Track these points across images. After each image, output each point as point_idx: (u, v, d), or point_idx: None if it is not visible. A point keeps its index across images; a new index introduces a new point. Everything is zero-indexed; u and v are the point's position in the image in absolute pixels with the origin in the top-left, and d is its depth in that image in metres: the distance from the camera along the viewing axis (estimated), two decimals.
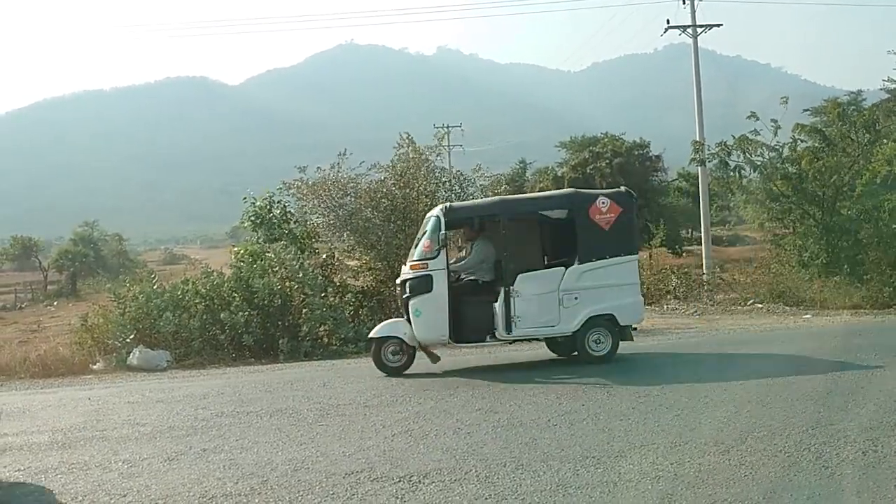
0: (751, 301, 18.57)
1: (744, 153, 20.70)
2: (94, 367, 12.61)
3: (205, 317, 13.55)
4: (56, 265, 58.10)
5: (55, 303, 45.49)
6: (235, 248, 16.20)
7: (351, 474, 5.36)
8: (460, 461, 5.56)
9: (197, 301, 13.77)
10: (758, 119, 20.52)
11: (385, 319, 16.25)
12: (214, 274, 14.48)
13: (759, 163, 20.52)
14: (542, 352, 11.94)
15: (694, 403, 7.17)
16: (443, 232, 9.88)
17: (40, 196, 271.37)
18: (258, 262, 14.41)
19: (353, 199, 16.76)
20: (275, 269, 14.15)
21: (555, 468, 5.29)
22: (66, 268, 56.82)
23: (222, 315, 13.20)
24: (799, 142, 20.49)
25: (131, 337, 12.95)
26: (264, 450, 6.18)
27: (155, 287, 13.93)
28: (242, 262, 14.72)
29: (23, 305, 45.50)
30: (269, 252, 14.74)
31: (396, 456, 5.80)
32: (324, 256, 17.02)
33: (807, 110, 22.68)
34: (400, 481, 5.16)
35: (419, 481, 5.14)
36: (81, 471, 5.81)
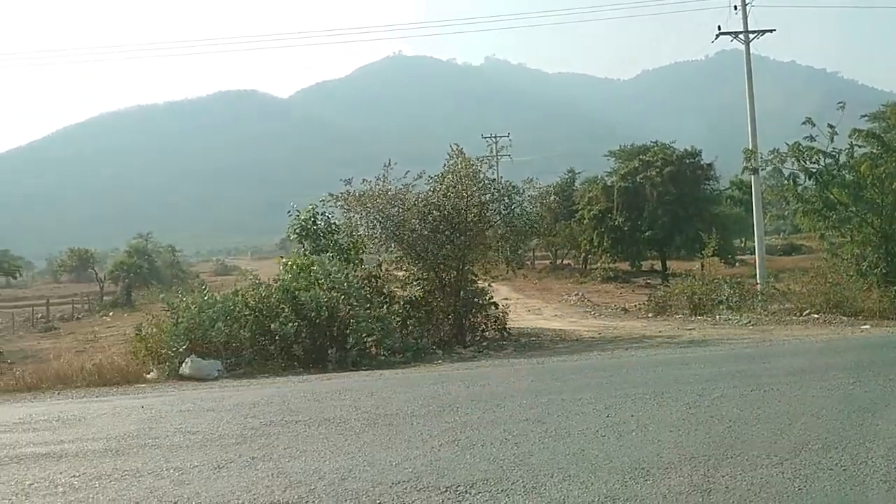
0: (806, 311, 18.13)
1: (798, 160, 20.25)
2: (148, 376, 12.84)
3: (255, 327, 13.73)
4: (112, 276, 59.47)
5: (111, 313, 46.60)
6: (284, 260, 16.36)
7: (397, 484, 5.36)
8: (507, 471, 5.51)
9: (247, 312, 13.95)
10: (814, 125, 20.07)
11: (433, 330, 16.43)
12: (262, 286, 14.66)
13: (814, 170, 20.06)
14: (590, 361, 11.86)
15: (746, 415, 7.01)
16: None
17: (96, 208, 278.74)
18: (303, 273, 14.54)
19: (400, 211, 16.82)
20: (320, 282, 14.25)
21: (603, 479, 5.21)
22: (122, 279, 58.10)
23: (272, 325, 13.35)
24: (856, 148, 19.99)
25: (184, 347, 13.14)
26: (312, 459, 6.20)
27: (207, 298, 14.15)
28: (289, 273, 14.85)
29: (80, 316, 46.66)
30: (314, 265, 14.84)
31: (443, 466, 5.77)
32: (370, 268, 17.12)
33: (864, 116, 22.06)
34: (446, 491, 5.14)
35: (466, 491, 5.12)
36: (134, 478, 5.90)
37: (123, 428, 7.94)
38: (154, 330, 14.10)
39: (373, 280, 16.48)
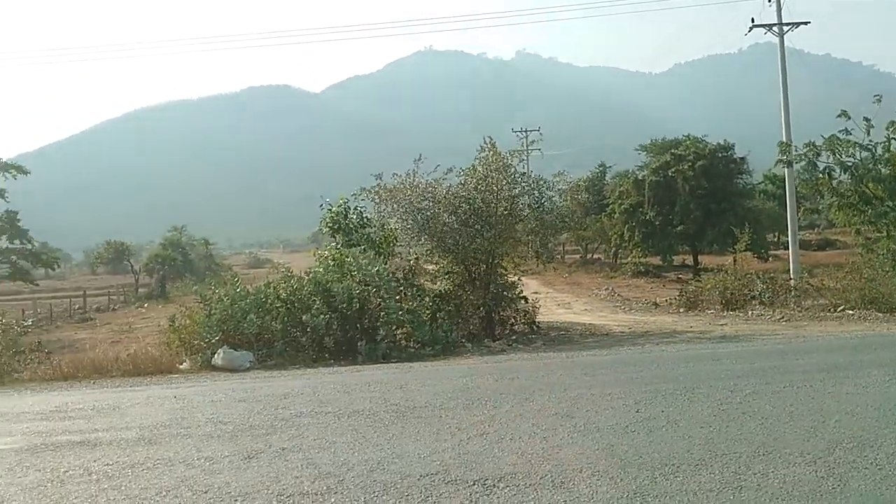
0: (841, 307, 17.84)
1: (834, 154, 19.94)
2: (181, 366, 13.00)
3: (286, 319, 13.84)
4: (147, 269, 60.23)
5: (145, 305, 47.21)
6: (320, 252, 16.45)
7: (426, 476, 5.38)
8: (535, 466, 5.51)
9: (278, 304, 14.06)
10: (849, 118, 19.74)
11: (463, 323, 16.44)
12: (294, 278, 14.77)
13: (850, 164, 19.73)
14: (620, 356, 11.79)
15: (779, 412, 6.94)
16: None
17: (132, 201, 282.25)
18: (336, 265, 14.62)
19: (431, 204, 16.83)
20: (353, 274, 14.32)
21: (632, 475, 5.19)
22: (156, 271, 58.85)
23: (304, 317, 13.44)
24: (893, 142, 19.63)
25: (216, 338, 13.30)
26: (341, 450, 6.25)
27: (239, 290, 14.29)
28: (322, 265, 14.93)
29: (115, 307, 47.33)
30: (347, 257, 14.91)
31: (471, 459, 5.78)
32: (403, 260, 17.19)
33: None
34: (474, 484, 5.15)
35: (493, 485, 5.12)
36: (166, 466, 5.99)
37: (156, 417, 8.05)
38: (187, 321, 14.28)
39: (404, 273, 16.52)
